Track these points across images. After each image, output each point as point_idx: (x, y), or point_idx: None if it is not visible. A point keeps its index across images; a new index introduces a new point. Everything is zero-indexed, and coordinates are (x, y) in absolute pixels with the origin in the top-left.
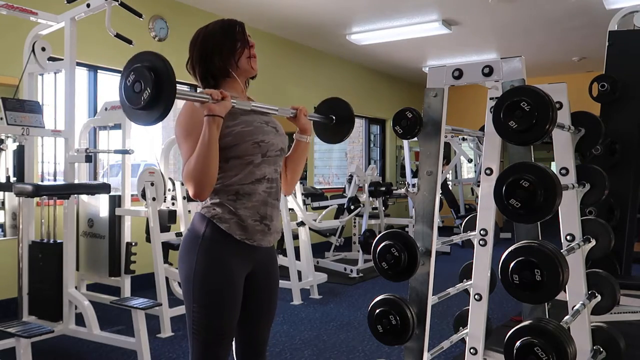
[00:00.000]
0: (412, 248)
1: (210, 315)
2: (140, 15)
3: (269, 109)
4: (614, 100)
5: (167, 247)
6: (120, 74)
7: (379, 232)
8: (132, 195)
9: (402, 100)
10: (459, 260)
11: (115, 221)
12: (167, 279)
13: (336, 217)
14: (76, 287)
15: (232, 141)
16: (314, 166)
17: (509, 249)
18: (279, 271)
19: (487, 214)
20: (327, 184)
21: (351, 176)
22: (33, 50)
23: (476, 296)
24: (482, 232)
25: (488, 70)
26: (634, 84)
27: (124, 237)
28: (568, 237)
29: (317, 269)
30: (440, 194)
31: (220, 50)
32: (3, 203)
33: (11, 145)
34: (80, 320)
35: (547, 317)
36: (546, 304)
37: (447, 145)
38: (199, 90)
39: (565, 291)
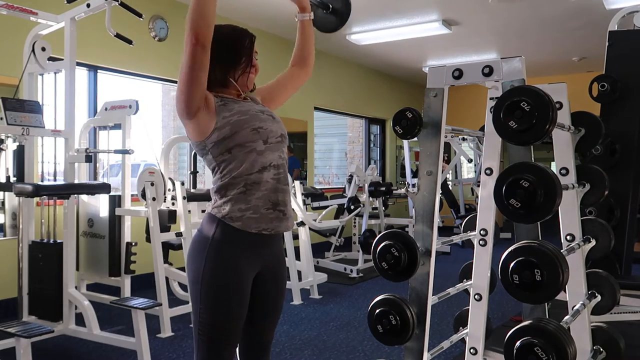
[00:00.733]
0: (412, 248)
1: (216, 317)
2: (140, 15)
3: None
4: (614, 100)
5: (167, 247)
6: (120, 74)
7: (379, 232)
8: (132, 195)
9: (402, 100)
10: (459, 260)
11: (115, 221)
12: (167, 279)
13: (336, 217)
14: (76, 287)
15: (230, 130)
16: (314, 166)
17: (509, 249)
18: None
19: (487, 214)
20: (327, 184)
21: (351, 176)
22: (33, 50)
23: (476, 296)
24: (482, 232)
25: (488, 70)
26: (634, 84)
27: (124, 237)
28: (568, 237)
29: (317, 269)
30: (440, 194)
31: (222, 65)
32: (3, 203)
33: (11, 145)
34: (80, 320)
35: (547, 317)
36: (546, 304)
37: (447, 145)
38: None
39: (565, 291)
